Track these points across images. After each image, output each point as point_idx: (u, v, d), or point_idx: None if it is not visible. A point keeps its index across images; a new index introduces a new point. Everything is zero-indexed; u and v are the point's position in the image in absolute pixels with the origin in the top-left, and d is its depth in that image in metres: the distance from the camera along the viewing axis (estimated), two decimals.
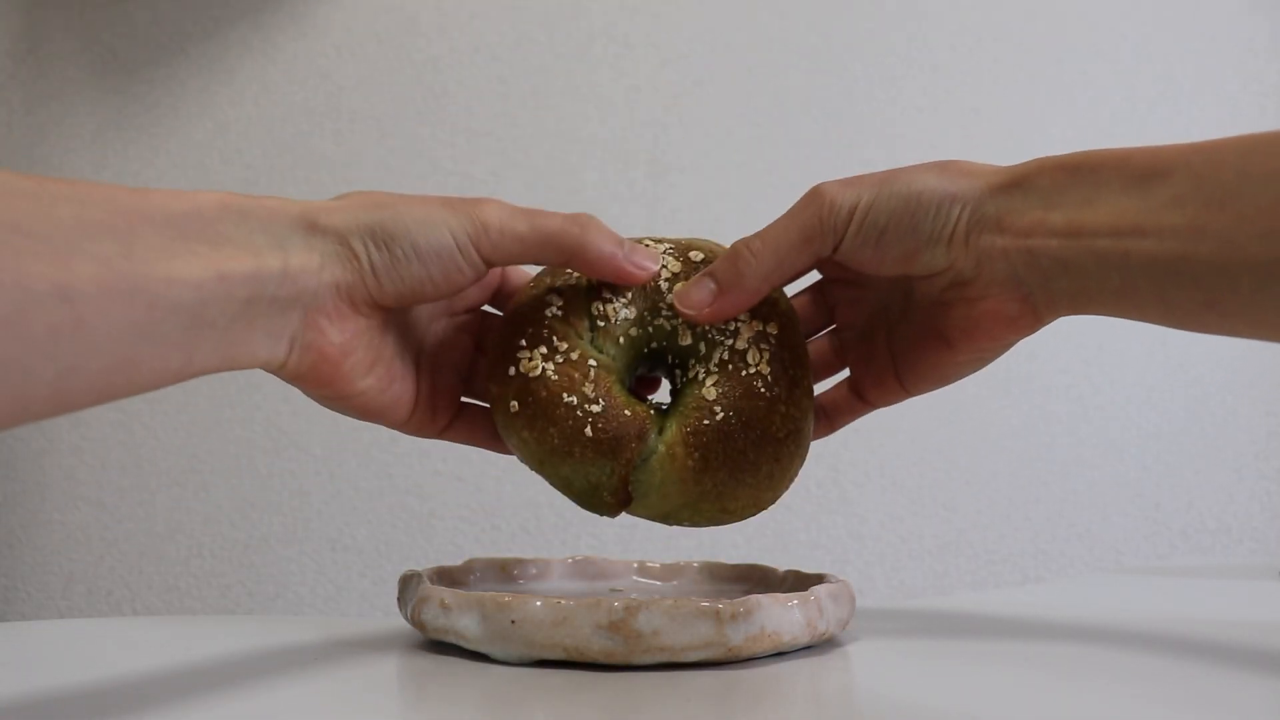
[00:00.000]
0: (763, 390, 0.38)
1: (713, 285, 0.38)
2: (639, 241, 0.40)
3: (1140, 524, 0.99)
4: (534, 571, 0.48)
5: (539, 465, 0.38)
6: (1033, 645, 0.40)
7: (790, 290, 0.44)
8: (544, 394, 0.37)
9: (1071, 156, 0.34)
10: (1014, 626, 0.45)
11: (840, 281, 0.43)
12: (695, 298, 0.38)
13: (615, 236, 0.37)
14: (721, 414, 0.37)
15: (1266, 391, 1.00)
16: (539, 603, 0.35)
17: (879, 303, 0.42)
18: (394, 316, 0.37)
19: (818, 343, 0.44)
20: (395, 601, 0.42)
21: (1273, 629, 0.46)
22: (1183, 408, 1.00)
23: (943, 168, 0.36)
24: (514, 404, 0.38)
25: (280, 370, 0.34)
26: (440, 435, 0.41)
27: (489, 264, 0.36)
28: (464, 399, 0.42)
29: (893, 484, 0.99)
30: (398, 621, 0.46)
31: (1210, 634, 0.43)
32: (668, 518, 0.39)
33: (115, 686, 0.33)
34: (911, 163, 0.37)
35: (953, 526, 0.99)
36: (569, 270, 0.39)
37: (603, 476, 0.38)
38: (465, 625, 0.36)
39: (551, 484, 0.39)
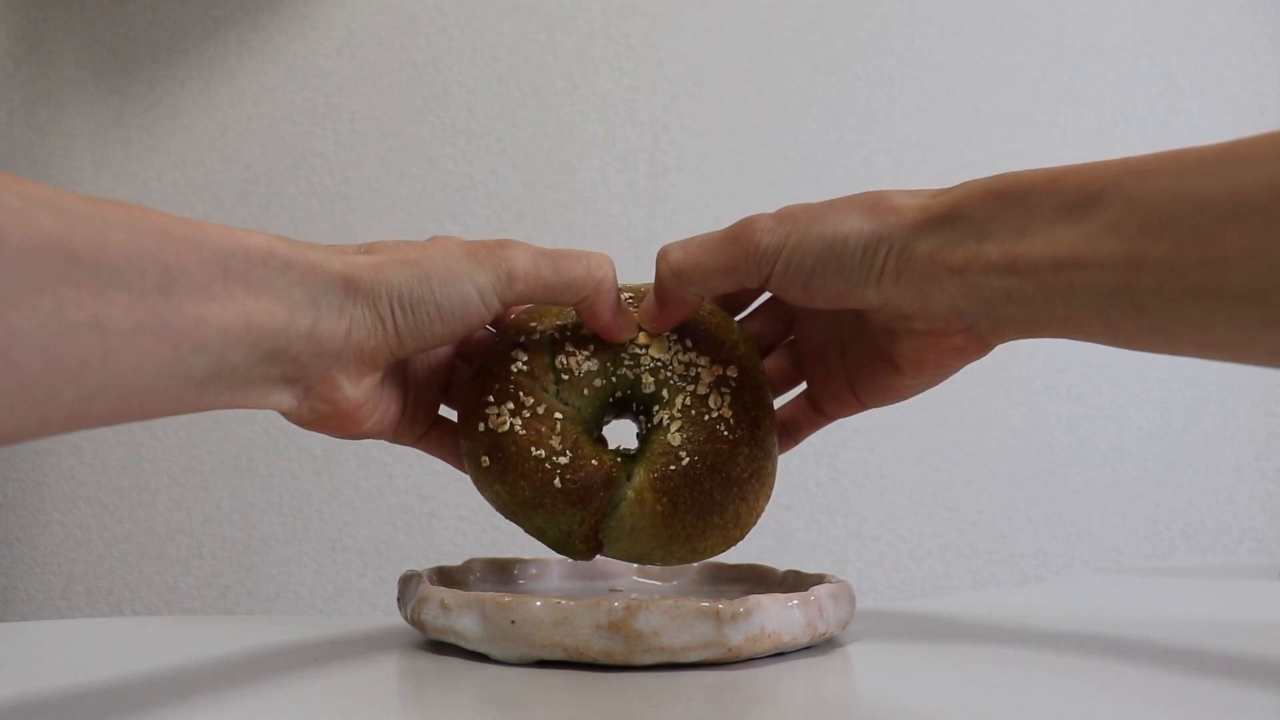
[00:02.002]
0: (726, 434, 0.39)
1: (653, 300, 0.40)
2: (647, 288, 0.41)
3: (1140, 524, 0.99)
4: (534, 571, 0.49)
5: (513, 515, 0.39)
6: (1033, 645, 0.40)
7: (750, 305, 0.44)
8: (513, 449, 0.38)
9: (999, 180, 0.33)
10: (1014, 627, 0.45)
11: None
12: (644, 313, 0.40)
13: (618, 296, 0.39)
14: (687, 459, 0.38)
15: (1266, 391, 1.00)
16: (539, 603, 0.35)
17: (833, 320, 0.42)
18: None
19: (777, 356, 0.44)
20: (395, 601, 0.42)
21: (1273, 629, 0.46)
22: (1183, 408, 1.00)
23: (870, 205, 0.35)
24: (485, 459, 0.39)
25: (289, 415, 0.35)
26: (415, 444, 0.42)
27: (507, 307, 0.37)
28: (442, 411, 0.43)
29: (893, 484, 0.99)
30: (398, 621, 0.46)
31: (1210, 634, 0.43)
32: (640, 558, 0.40)
33: (115, 686, 0.33)
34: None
35: (953, 526, 0.99)
36: (532, 324, 0.40)
37: (574, 525, 0.39)
38: (465, 625, 0.36)
39: (526, 531, 0.40)
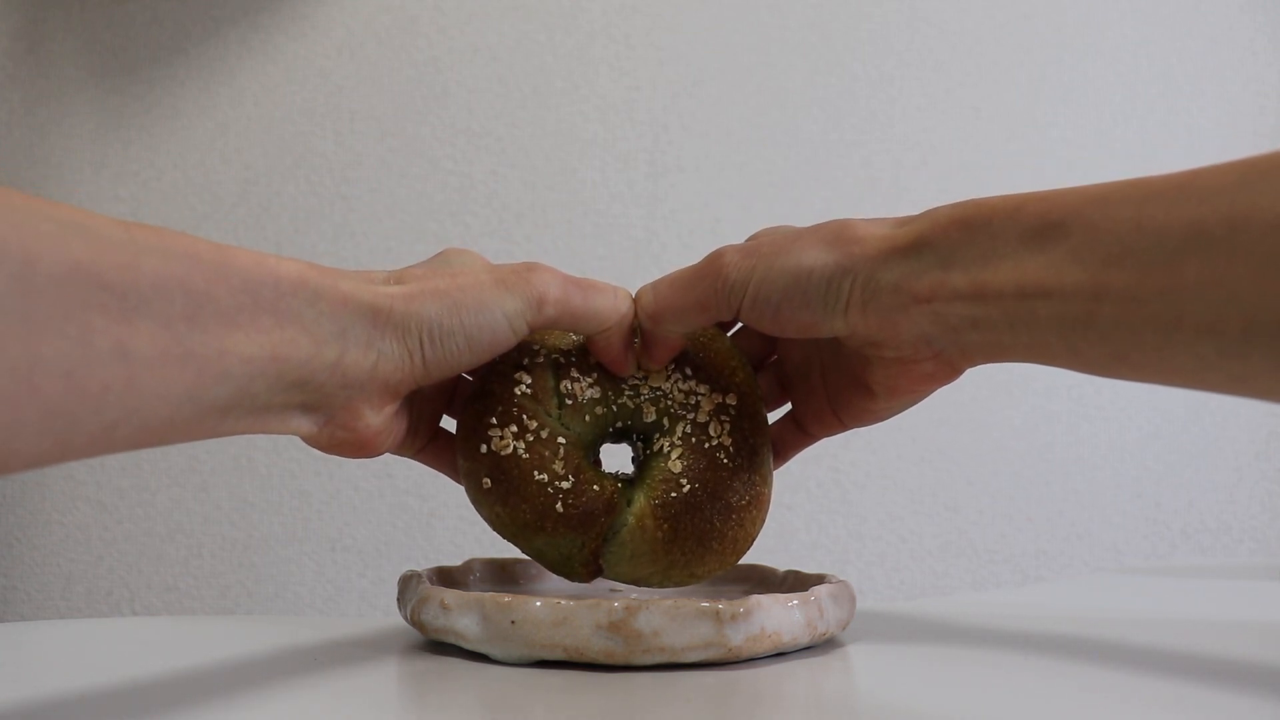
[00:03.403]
0: (725, 461, 0.39)
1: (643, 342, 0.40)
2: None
3: (1140, 524, 0.99)
4: (534, 572, 0.49)
5: (512, 537, 0.40)
6: (1033, 646, 0.40)
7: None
8: (516, 472, 0.38)
9: (963, 208, 0.34)
10: (1014, 627, 0.45)
11: None
12: (639, 352, 0.40)
13: (630, 331, 0.39)
14: (688, 486, 0.39)
15: None
16: (539, 603, 0.35)
17: (813, 343, 0.42)
18: None
19: (763, 375, 0.45)
20: (395, 601, 0.42)
21: (1273, 630, 0.46)
22: (1183, 408, 1.00)
23: (835, 236, 0.36)
24: (486, 480, 0.39)
25: (309, 440, 0.35)
26: (415, 456, 0.42)
27: (532, 331, 0.37)
28: (441, 422, 0.43)
29: (893, 484, 0.99)
30: (397, 621, 0.46)
31: (1210, 635, 0.43)
32: (639, 582, 0.40)
33: (115, 686, 0.33)
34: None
35: (953, 526, 0.99)
36: (535, 346, 0.40)
37: (574, 549, 0.39)
38: (465, 625, 0.36)
39: (524, 552, 0.40)
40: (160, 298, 0.27)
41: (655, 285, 0.39)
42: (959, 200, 0.34)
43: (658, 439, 0.40)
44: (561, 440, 0.39)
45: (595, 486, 0.39)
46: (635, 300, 0.39)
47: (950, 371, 0.37)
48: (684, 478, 0.39)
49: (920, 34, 1.03)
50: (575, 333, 0.39)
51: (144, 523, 1.03)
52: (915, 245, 0.34)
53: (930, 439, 1.00)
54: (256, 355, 0.29)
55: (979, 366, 0.38)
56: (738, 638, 0.35)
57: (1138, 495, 0.99)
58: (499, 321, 0.35)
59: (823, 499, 0.99)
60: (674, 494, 0.39)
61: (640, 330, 0.40)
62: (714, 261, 0.37)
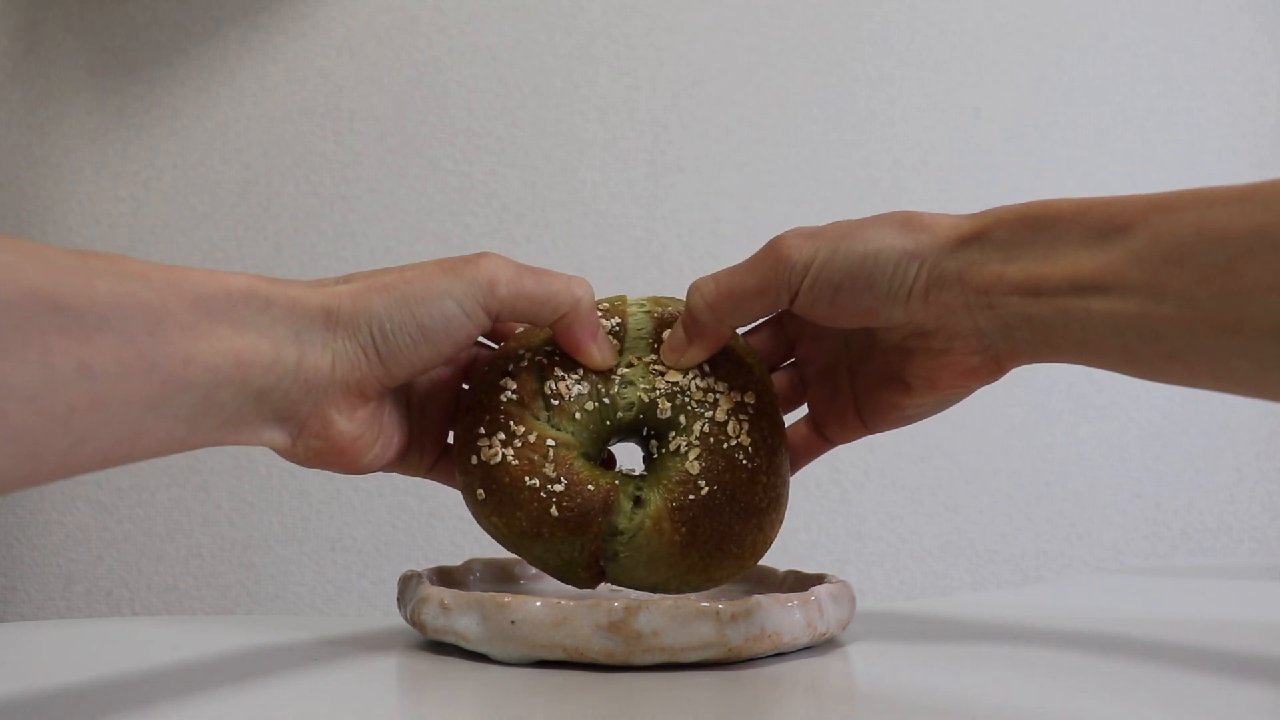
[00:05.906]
0: (745, 462, 0.38)
1: (683, 334, 0.39)
2: (621, 302, 0.41)
3: (1140, 524, 0.99)
4: (533, 572, 0.49)
5: (513, 547, 0.39)
6: (1033, 646, 0.40)
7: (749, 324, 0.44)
8: (507, 480, 0.38)
9: (1029, 207, 0.34)
10: (1014, 627, 0.45)
11: (801, 319, 0.43)
12: (671, 346, 0.40)
13: (596, 321, 0.39)
14: (706, 488, 0.38)
15: None
16: (539, 603, 0.35)
17: (842, 341, 0.42)
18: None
19: (777, 377, 0.44)
20: (395, 602, 0.42)
21: (1273, 629, 0.46)
22: (1183, 407, 1.00)
23: (904, 222, 0.35)
24: (480, 492, 0.38)
25: (284, 454, 0.35)
26: (426, 474, 0.41)
27: (495, 320, 0.36)
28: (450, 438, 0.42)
29: (893, 484, 0.99)
30: (397, 622, 0.46)
31: (1211, 634, 0.43)
32: (655, 588, 0.40)
33: (115, 686, 0.33)
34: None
35: (953, 526, 0.99)
36: (520, 351, 0.40)
37: (574, 553, 0.38)
38: (465, 625, 0.36)
39: (528, 562, 0.40)
40: (119, 315, 0.27)
41: (715, 276, 0.38)
42: (1027, 200, 0.34)
43: (673, 437, 0.39)
44: (551, 443, 0.38)
45: (590, 486, 0.38)
46: (693, 291, 0.38)
47: (994, 369, 0.36)
48: (702, 479, 0.38)
49: (920, 34, 1.03)
50: (533, 321, 0.38)
51: (144, 523, 1.03)
52: (979, 236, 0.34)
53: (930, 438, 1.00)
54: (220, 363, 0.30)
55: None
56: (738, 638, 0.35)
57: (1138, 495, 0.99)
58: (450, 308, 0.35)
59: (823, 499, 0.99)
60: (692, 496, 0.38)
61: (686, 321, 0.39)
62: (775, 243, 0.37)
